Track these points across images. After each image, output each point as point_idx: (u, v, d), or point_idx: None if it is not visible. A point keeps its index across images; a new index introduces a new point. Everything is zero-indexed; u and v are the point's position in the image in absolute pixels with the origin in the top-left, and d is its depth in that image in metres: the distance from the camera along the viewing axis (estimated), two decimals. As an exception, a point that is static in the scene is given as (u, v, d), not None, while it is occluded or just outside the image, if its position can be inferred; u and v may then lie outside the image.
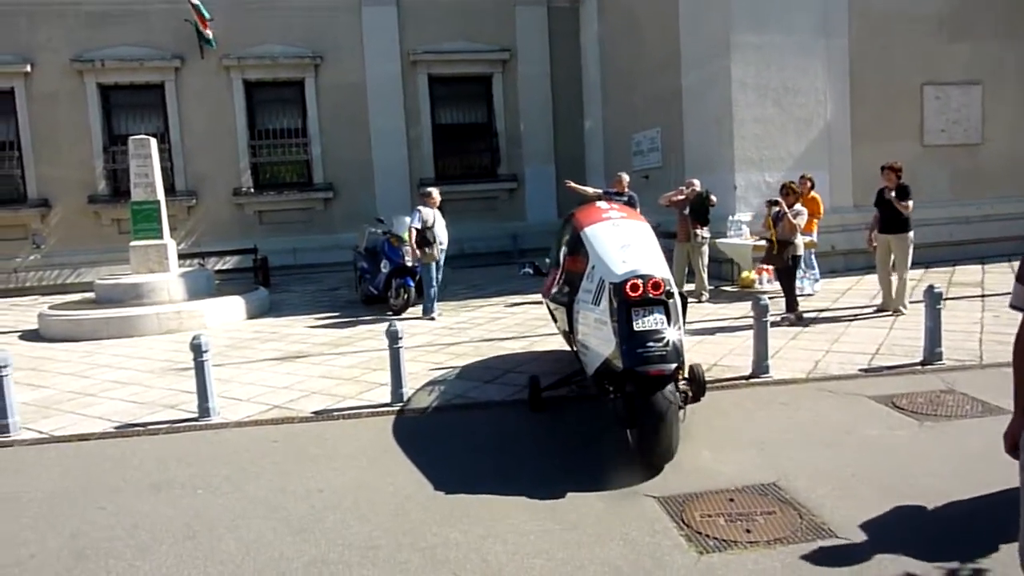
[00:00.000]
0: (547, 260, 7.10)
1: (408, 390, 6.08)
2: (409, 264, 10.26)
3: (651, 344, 4.15)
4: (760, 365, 6.18)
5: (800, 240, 8.32)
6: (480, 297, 11.92)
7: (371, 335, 9.06)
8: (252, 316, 10.95)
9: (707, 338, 7.75)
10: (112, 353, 8.75)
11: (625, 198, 10.61)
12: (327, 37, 16.86)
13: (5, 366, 5.50)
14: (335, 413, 5.81)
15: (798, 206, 8.29)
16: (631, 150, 15.99)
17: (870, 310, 8.74)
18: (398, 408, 5.83)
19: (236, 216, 16.89)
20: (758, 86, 11.96)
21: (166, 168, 13.99)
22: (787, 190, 8.37)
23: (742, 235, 11.19)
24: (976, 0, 12.88)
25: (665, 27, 13.79)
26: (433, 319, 9.79)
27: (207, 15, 15.51)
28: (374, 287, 10.87)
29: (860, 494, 3.84)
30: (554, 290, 5.89)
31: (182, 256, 13.15)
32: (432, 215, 9.96)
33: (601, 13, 17.15)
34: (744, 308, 9.52)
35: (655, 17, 14.36)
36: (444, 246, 10.15)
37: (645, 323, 4.22)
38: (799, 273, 8.92)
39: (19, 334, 10.61)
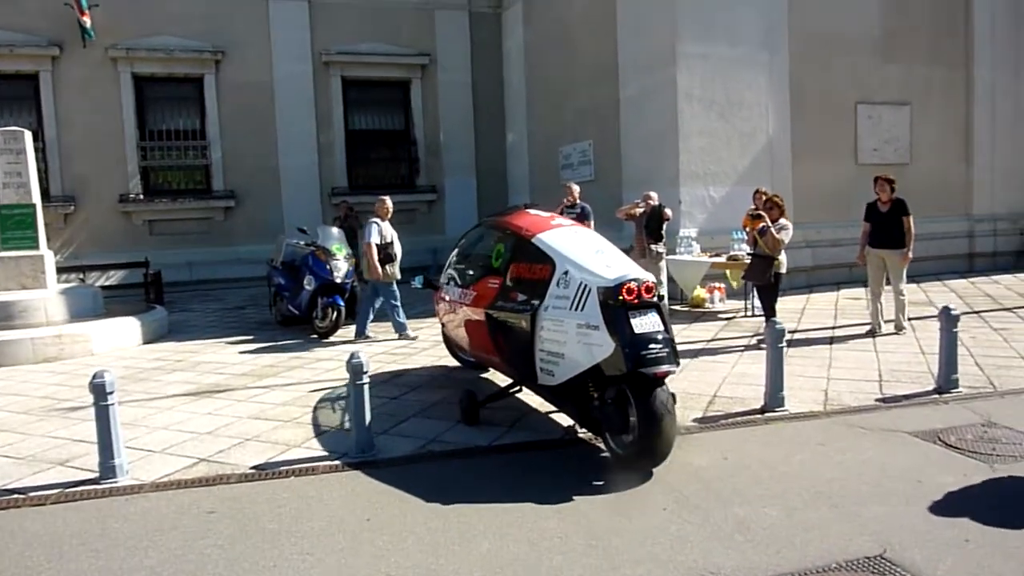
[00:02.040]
0: (452, 272, 6.45)
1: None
2: (338, 281, 9.09)
3: (653, 345, 4.16)
4: (775, 397, 5.48)
5: (784, 257, 7.82)
6: (411, 317, 10.77)
7: (299, 363, 7.82)
8: (149, 340, 9.41)
9: (688, 363, 6.96)
10: (-27, 389, 7.12)
11: (578, 210, 9.87)
12: (230, 31, 15.32)
13: None
14: (282, 468, 4.62)
15: (783, 220, 7.79)
16: (559, 163, 15.29)
17: (842, 331, 8.34)
18: (363, 460, 4.71)
19: (122, 225, 15.00)
20: (704, 98, 11.50)
21: (40, 169, 12.10)
22: (772, 203, 7.85)
23: (692, 252, 10.64)
24: (906, 24, 13.06)
25: (601, 35, 13.20)
26: (370, 338, 8.70)
27: (85, 3, 13.70)
28: (295, 307, 9.57)
29: (993, 568, 3.11)
30: (499, 301, 5.21)
31: (59, 270, 11.30)
32: (389, 228, 8.99)
33: (527, 20, 16.44)
34: (708, 329, 8.93)
35: (589, 25, 13.76)
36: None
37: (644, 325, 4.22)
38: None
39: None
